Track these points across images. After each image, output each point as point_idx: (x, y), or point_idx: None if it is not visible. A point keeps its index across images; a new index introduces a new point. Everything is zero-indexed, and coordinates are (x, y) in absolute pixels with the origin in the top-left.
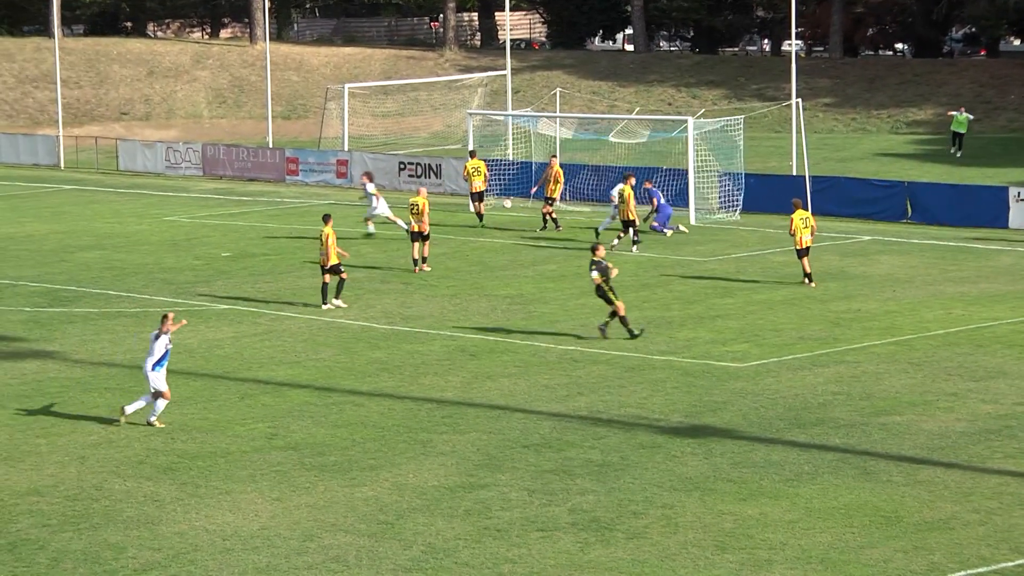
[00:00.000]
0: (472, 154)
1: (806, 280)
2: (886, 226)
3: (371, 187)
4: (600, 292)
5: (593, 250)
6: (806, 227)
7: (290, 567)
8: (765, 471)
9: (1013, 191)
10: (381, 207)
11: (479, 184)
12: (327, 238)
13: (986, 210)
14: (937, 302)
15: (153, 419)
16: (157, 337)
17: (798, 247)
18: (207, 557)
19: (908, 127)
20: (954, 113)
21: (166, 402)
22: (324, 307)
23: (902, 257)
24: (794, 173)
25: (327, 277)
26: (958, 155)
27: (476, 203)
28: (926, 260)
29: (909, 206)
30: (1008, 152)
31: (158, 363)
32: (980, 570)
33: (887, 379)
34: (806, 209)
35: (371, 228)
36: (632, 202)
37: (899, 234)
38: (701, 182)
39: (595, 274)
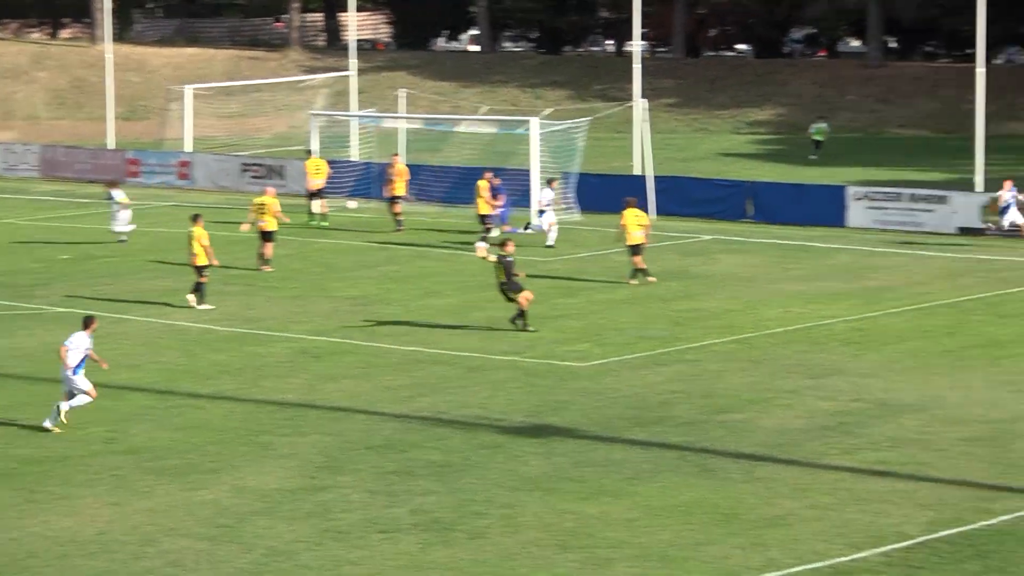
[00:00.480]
0: (310, 153)
1: (632, 280)
2: (727, 225)
3: (118, 194)
4: (502, 291)
5: (503, 244)
6: (637, 225)
7: (128, 572)
8: (606, 470)
9: (851, 190)
10: (122, 217)
11: (319, 182)
12: (198, 238)
13: (825, 209)
14: (776, 300)
15: (49, 423)
16: (81, 339)
17: (629, 243)
18: (43, 564)
19: (749, 127)
20: (816, 125)
21: (89, 399)
22: (200, 307)
23: (743, 256)
24: (636, 173)
25: (203, 277)
26: (815, 157)
27: (317, 200)
28: (766, 259)
29: (750, 205)
30: (847, 152)
31: (79, 365)
32: (815, 565)
33: (727, 377)
34: (639, 207)
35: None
36: (487, 196)
37: (740, 233)
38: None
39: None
